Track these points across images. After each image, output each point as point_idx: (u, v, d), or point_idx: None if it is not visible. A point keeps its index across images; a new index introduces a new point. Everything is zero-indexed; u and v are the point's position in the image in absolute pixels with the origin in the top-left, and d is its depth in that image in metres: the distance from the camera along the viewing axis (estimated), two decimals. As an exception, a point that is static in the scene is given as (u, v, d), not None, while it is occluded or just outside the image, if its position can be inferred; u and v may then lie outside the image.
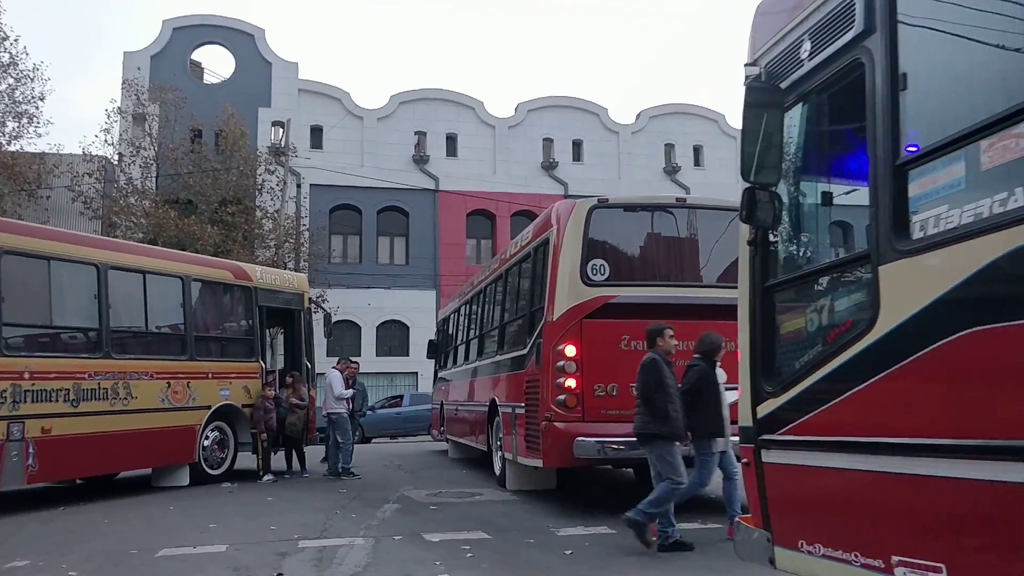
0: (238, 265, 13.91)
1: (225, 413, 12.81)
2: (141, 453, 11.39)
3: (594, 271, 8.97)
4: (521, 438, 10.00)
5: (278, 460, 13.95)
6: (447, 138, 35.48)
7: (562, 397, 8.76)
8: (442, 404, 17.33)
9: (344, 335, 32.09)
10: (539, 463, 9.29)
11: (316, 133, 34.60)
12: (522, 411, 10.00)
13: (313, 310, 15.20)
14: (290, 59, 35.10)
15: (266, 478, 12.83)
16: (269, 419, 13.03)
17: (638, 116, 37.43)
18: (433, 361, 19.51)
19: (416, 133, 35.18)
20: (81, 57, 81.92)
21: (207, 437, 12.50)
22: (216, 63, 38.35)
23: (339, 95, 34.91)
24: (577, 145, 36.55)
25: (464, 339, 14.89)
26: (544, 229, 9.81)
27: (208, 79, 35.28)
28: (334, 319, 29.39)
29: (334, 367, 13.83)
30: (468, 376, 14.06)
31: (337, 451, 13.50)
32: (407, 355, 33.99)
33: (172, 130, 29.99)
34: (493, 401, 11.71)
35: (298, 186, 32.93)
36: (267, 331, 14.43)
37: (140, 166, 29.82)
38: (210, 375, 12.47)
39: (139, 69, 31.35)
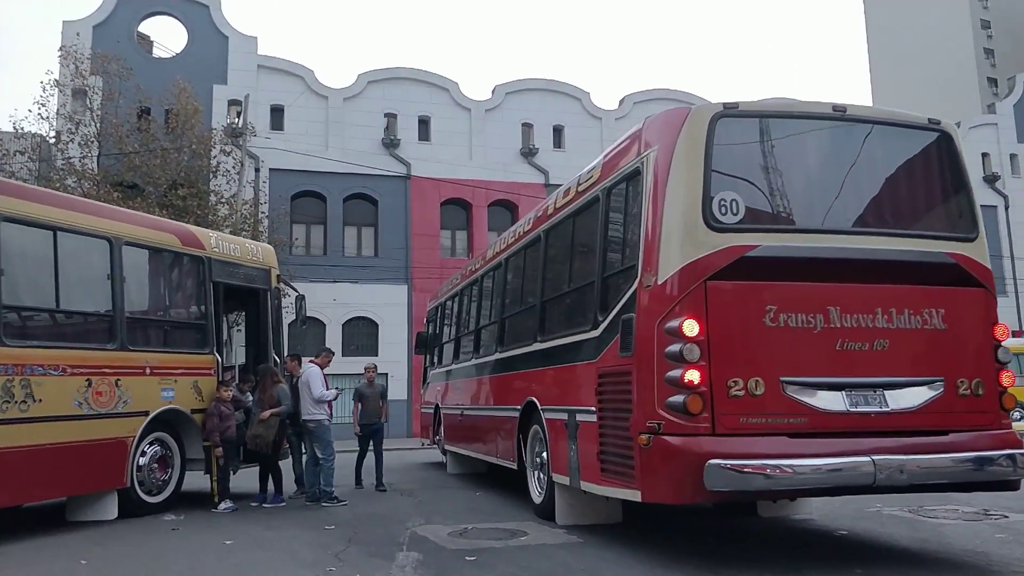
0: (186, 228, 10.59)
1: (168, 421, 9.52)
2: (47, 478, 8.03)
3: (723, 209, 5.91)
4: (589, 456, 6.91)
5: (243, 481, 10.63)
6: (419, 121, 32.21)
7: (679, 398, 5.68)
8: (437, 408, 14.12)
9: (307, 333, 28.66)
10: (629, 495, 6.19)
11: (277, 113, 31.12)
12: (590, 418, 6.93)
13: (282, 291, 11.91)
14: (248, 33, 31.71)
15: (223, 507, 9.53)
16: (226, 428, 9.75)
17: (622, 102, 34.59)
18: (423, 357, 16.28)
19: (386, 115, 31.84)
20: (13, 26, 75.87)
21: (143, 453, 9.17)
22: (166, 36, 34.73)
23: (302, 72, 31.44)
24: (558, 131, 33.55)
25: (473, 327, 11.72)
26: (628, 156, 6.73)
27: (158, 53, 31.60)
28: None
29: (312, 361, 10.58)
30: (481, 372, 10.90)
31: (316, 469, 10.25)
32: (376, 354, 30.60)
33: (116, 105, 26.36)
34: (530, 404, 8.60)
35: (256, 170, 29.44)
36: (224, 315, 11.11)
37: (79, 144, 26.11)
38: (148, 370, 9.15)
39: (78, 35, 27.62)
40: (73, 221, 8.51)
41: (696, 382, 5.66)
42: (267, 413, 9.86)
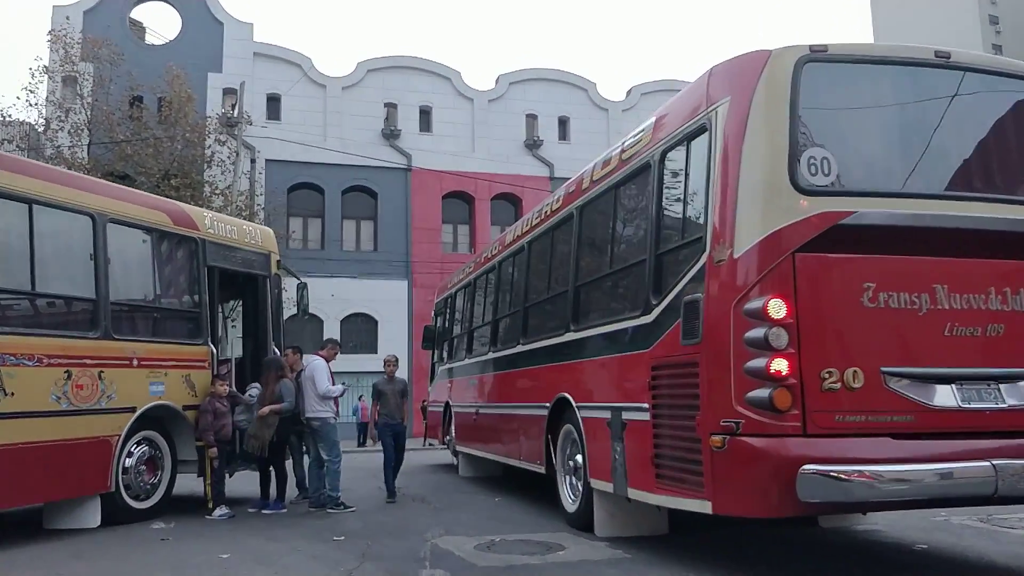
0: (178, 206, 9.63)
1: (158, 418, 8.59)
2: (22, 481, 7.08)
3: (813, 169, 5.00)
4: (640, 461, 6.01)
5: (241, 484, 9.73)
6: (420, 111, 31.34)
7: (763, 393, 4.77)
8: (448, 406, 13.20)
9: (303, 330, 27.72)
10: (694, 505, 5.28)
11: (273, 102, 30.25)
12: (640, 416, 6.02)
13: (282, 276, 10.97)
14: (244, 19, 30.76)
15: (218, 514, 8.60)
16: (222, 427, 8.83)
17: (629, 93, 33.71)
18: (430, 353, 15.35)
19: (386, 105, 30.97)
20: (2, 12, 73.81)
21: (130, 454, 8.23)
22: (160, 22, 33.74)
23: (299, 60, 30.56)
24: (563, 123, 32.69)
25: (489, 318, 10.79)
26: (689, 113, 5.81)
27: (151, 40, 30.61)
28: (294, 305, 25.28)
29: (317, 354, 9.65)
30: (500, 367, 9.98)
31: (320, 472, 9.33)
32: (375, 352, 29.65)
33: (107, 92, 25.45)
34: (562, 401, 7.69)
35: (252, 160, 28.36)
36: (220, 304, 10.18)
37: (69, 132, 25.14)
38: (135, 362, 8.22)
39: (68, 20, 26.63)
40: (51, 194, 7.56)
41: (784, 373, 4.75)
42: (266, 410, 8.93)
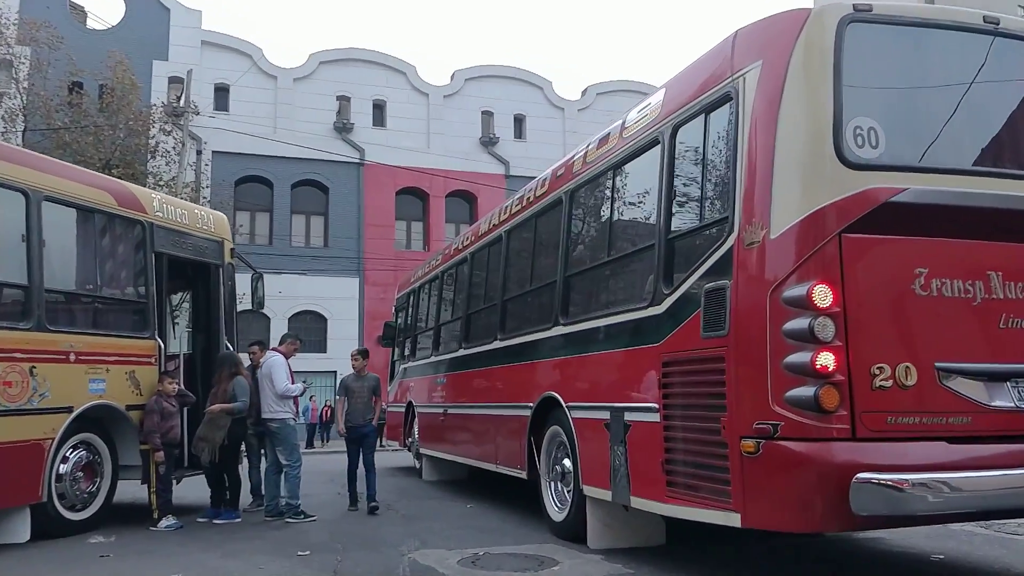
0: (125, 186, 8.72)
1: (98, 419, 7.71)
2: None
3: (860, 140, 4.42)
4: (647, 466, 5.39)
5: (189, 490, 8.87)
6: (374, 105, 30.45)
7: (806, 391, 4.18)
8: (410, 406, 12.43)
9: (250, 327, 26.58)
10: (717, 517, 4.67)
11: (221, 93, 29.07)
12: (647, 418, 5.41)
13: (235, 265, 10.11)
14: (192, 6, 29.36)
15: (165, 525, 7.74)
16: (169, 429, 7.97)
17: (584, 92, 33.24)
18: (389, 351, 14.54)
19: (338, 98, 30.01)
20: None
21: (65, 459, 7.33)
22: (102, 7, 32.21)
23: (250, 50, 29.43)
24: (519, 121, 32.07)
25: (460, 313, 10.06)
26: (709, 80, 5.19)
27: (92, 25, 29.15)
28: (241, 299, 24.19)
29: (275, 349, 8.86)
30: (473, 365, 9.28)
31: (278, 478, 8.53)
32: (324, 351, 28.71)
33: (45, 76, 24.04)
34: (549, 401, 7.03)
35: (199, 152, 27.22)
36: (168, 294, 9.31)
37: (3, 118, 23.69)
38: (72, 357, 7.32)
39: (3, 1, 25.12)
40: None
41: (831, 368, 4.16)
42: (216, 407, 8.09)
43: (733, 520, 4.53)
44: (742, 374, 4.51)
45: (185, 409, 8.69)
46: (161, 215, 8.64)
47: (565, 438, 6.82)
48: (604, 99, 32.56)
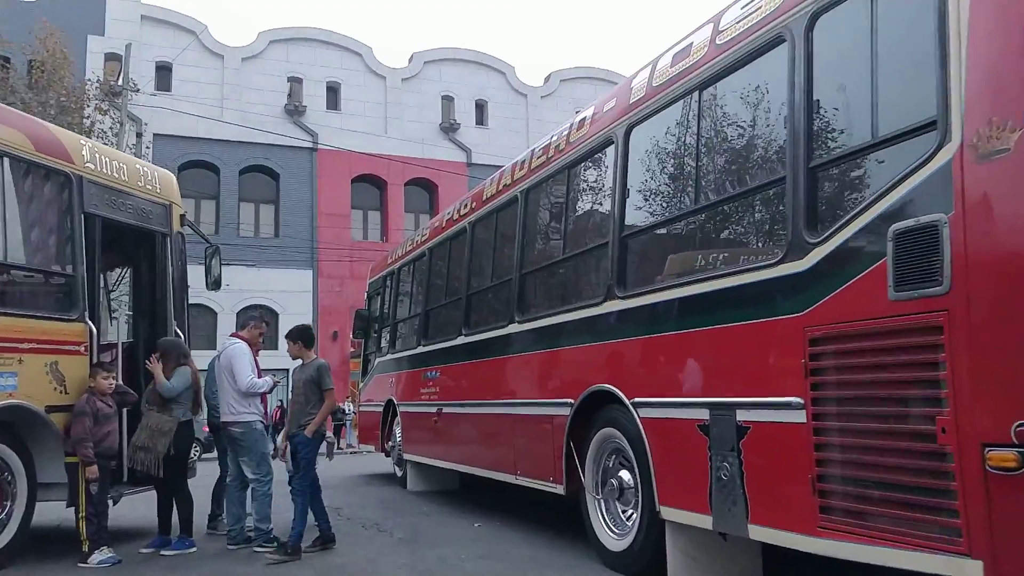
0: (45, 127, 6.82)
1: (7, 424, 5.84)
2: None
3: None
4: (783, 485, 3.85)
5: (132, 510, 7.05)
6: (328, 88, 28.45)
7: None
8: (391, 404, 10.68)
9: (195, 323, 24.45)
10: (939, 565, 3.10)
11: (163, 72, 26.77)
12: (780, 417, 3.86)
13: (185, 234, 8.28)
14: (131, -23, 26.99)
15: (98, 560, 5.91)
16: (104, 436, 6.16)
17: (547, 79, 31.70)
18: (362, 342, 12.76)
19: (290, 79, 27.95)
20: None
21: (-38, 478, 5.48)
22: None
23: (194, 27, 27.18)
24: (480, 107, 30.38)
25: (461, 292, 8.33)
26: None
27: (20, -4, 26.57)
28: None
29: (237, 335, 7.07)
30: (479, 354, 7.58)
31: (241, 496, 6.76)
32: (276, 348, 26.57)
33: (-34, 50, 21.62)
34: (597, 395, 5.44)
35: (139, 134, 24.88)
36: (102, 268, 7.45)
37: (-80, 93, 21.21)
38: (-29, 343, 5.47)
39: (-83, -37, 22.57)
40: None
41: None
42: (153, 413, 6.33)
43: (968, 570, 2.98)
44: (985, 352, 2.96)
45: (125, 411, 6.89)
46: (93, 167, 6.78)
47: (626, 444, 5.23)
48: (568, 86, 31.10)
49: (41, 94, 22.20)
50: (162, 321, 7.56)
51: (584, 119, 6.17)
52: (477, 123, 30.07)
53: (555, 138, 6.64)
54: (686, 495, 4.58)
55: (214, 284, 8.47)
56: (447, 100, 29.70)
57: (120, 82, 23.46)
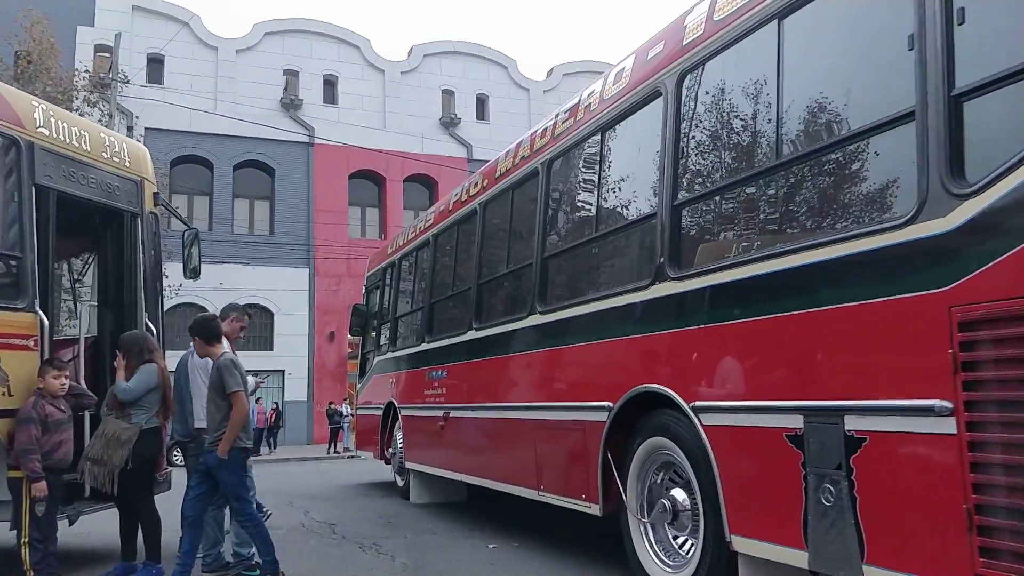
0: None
1: (-64, 433, 4.86)
2: None
3: None
4: (925, 514, 2.90)
5: (93, 526, 6.04)
6: (325, 81, 27.50)
7: None
8: (391, 407, 9.69)
9: (187, 322, 23.46)
10: None
11: (155, 64, 25.82)
12: (924, 428, 2.91)
13: (161, 216, 7.30)
14: (121, -34, 26.00)
15: (43, 595, 4.94)
16: (57, 446, 5.17)
17: (550, 73, 30.77)
18: (360, 340, 11.76)
19: (286, 72, 27.00)
20: None
21: None
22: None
23: (186, 17, 26.20)
24: (482, 101, 29.44)
25: (472, 281, 7.29)
26: None
27: (7, -14, 25.57)
28: (177, 291, 21.02)
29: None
30: (497, 349, 6.58)
31: (220, 515, 5.75)
32: (271, 348, 25.68)
33: (-51, 38, 20.64)
34: (646, 398, 4.46)
35: (129, 128, 23.95)
36: (58, 252, 6.45)
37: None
38: None
39: (-103, -52, 21.56)
40: None
41: None
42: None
43: None
44: None
45: (87, 416, 5.92)
46: (47, 133, 5.78)
47: (681, 457, 4.25)
48: (571, 80, 30.10)
49: (27, 85, 21.21)
50: (131, 313, 6.55)
51: (622, 70, 5.19)
52: (478, 118, 29.12)
53: (585, 96, 5.66)
54: (769, 523, 3.61)
55: (192, 273, 7.49)
56: (447, 94, 28.75)
57: (111, 75, 22.52)
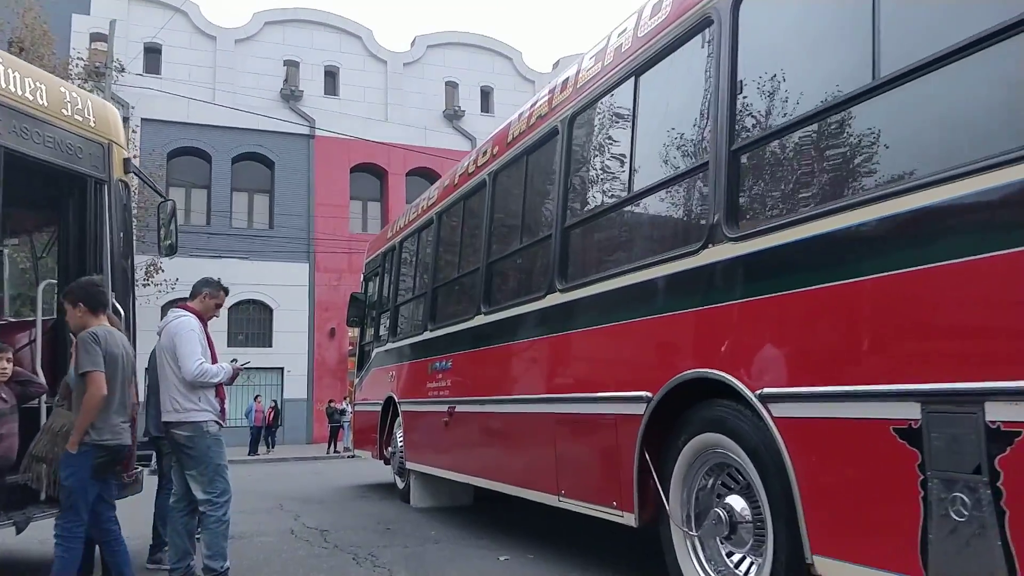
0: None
1: None
2: None
3: None
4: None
5: (44, 532, 5.26)
6: (326, 72, 26.69)
7: None
8: (391, 402, 8.88)
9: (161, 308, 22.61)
10: None
11: (152, 54, 25.00)
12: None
13: (132, 185, 6.51)
14: (117, -46, 25.19)
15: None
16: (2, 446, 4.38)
17: (556, 64, 29.94)
18: (359, 330, 10.95)
19: (286, 63, 26.18)
20: None
21: None
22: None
23: (184, 6, 25.34)
24: (486, 93, 28.63)
25: (481, 262, 6.48)
26: None
27: (0, -27, 24.83)
28: (173, 286, 20.24)
29: (184, 306, 5.21)
30: (508, 335, 5.77)
31: (189, 521, 4.94)
32: (269, 345, 24.87)
33: (-61, 25, 19.92)
34: (693, 385, 3.66)
35: (125, 119, 23.02)
36: (7, 222, 5.65)
37: None
38: None
39: None
40: None
41: None
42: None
43: None
44: None
45: (43, 407, 5.13)
46: (-5, 83, 4.99)
47: (743, 457, 3.44)
48: (577, 73, 29.30)
49: (20, 73, 20.48)
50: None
51: (660, 0, 4.38)
52: (482, 110, 28.29)
53: (614, 38, 4.85)
54: (869, 543, 2.80)
55: (168, 249, 6.64)
56: (451, 86, 27.93)
57: (106, 64, 21.75)
